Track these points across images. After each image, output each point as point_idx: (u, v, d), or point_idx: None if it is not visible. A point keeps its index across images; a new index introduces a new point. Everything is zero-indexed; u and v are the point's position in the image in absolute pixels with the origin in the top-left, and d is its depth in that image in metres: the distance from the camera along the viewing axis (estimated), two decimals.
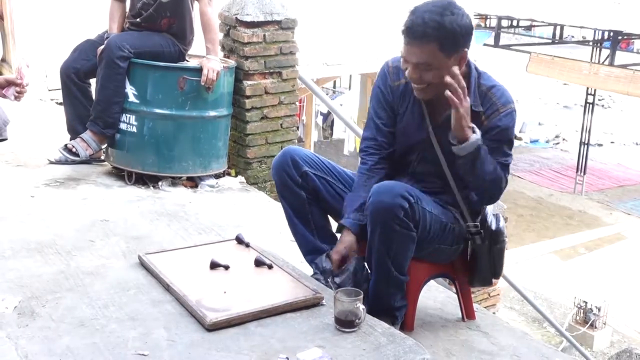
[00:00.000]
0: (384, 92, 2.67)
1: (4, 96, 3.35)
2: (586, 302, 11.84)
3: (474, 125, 2.43)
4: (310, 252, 2.77)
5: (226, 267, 2.68)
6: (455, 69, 2.35)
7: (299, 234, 2.77)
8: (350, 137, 15.52)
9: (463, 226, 2.66)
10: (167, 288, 2.55)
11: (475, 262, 2.73)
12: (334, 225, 2.79)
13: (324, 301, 2.49)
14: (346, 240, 2.59)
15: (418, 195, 2.43)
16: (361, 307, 2.29)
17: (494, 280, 2.85)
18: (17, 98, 3.39)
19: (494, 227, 2.70)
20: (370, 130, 2.71)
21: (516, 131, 22.47)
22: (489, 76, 2.59)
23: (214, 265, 2.68)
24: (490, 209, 2.77)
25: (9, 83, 3.33)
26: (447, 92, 2.33)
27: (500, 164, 2.54)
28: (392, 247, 2.41)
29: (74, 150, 4.14)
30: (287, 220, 2.80)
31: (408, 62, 2.45)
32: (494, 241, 2.71)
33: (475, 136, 2.42)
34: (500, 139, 2.54)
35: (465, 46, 2.44)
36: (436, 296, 3.17)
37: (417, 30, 2.38)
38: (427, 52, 2.39)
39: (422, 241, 2.47)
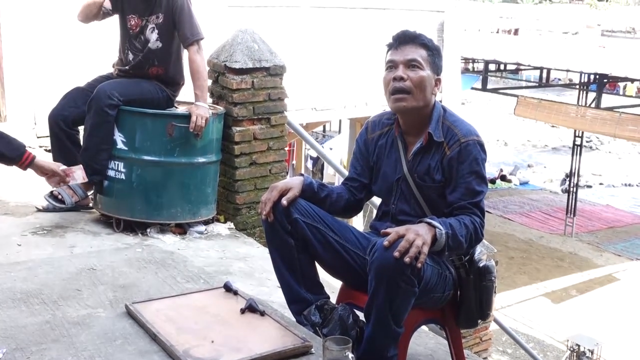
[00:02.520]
0: (361, 147, 2.86)
1: (47, 181, 3.73)
2: (579, 345, 11.76)
3: (433, 225, 2.40)
4: (294, 302, 2.74)
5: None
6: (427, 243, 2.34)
7: (284, 282, 2.74)
8: (339, 181, 15.54)
9: (453, 271, 2.65)
10: (154, 338, 2.52)
11: (462, 299, 2.71)
12: (322, 274, 2.77)
13: (312, 349, 2.47)
14: (294, 180, 2.69)
15: None
16: (350, 355, 2.26)
17: (481, 322, 2.83)
18: (55, 187, 3.88)
19: (481, 264, 2.69)
20: (349, 175, 2.92)
21: (506, 173, 22.66)
22: (454, 114, 2.72)
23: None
24: (481, 251, 2.76)
25: (54, 174, 3.68)
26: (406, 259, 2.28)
27: (471, 207, 2.54)
28: (394, 302, 2.38)
29: (59, 197, 4.13)
30: (273, 267, 2.78)
31: (396, 64, 2.61)
32: (481, 277, 2.69)
33: (439, 231, 2.39)
34: (467, 170, 2.56)
35: (440, 74, 2.68)
36: (426, 342, 3.14)
37: (411, 35, 2.64)
38: (419, 53, 2.61)
39: (420, 293, 2.45)
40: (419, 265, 2.28)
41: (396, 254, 2.26)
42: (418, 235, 2.31)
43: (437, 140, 2.61)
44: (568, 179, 22.20)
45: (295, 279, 2.71)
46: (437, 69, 2.66)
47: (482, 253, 2.77)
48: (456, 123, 2.65)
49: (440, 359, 2.96)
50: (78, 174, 3.81)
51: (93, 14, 4.19)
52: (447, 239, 2.40)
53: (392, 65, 2.63)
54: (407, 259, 2.26)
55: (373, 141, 2.81)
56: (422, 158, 2.65)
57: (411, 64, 2.60)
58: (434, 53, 2.64)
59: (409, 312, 2.53)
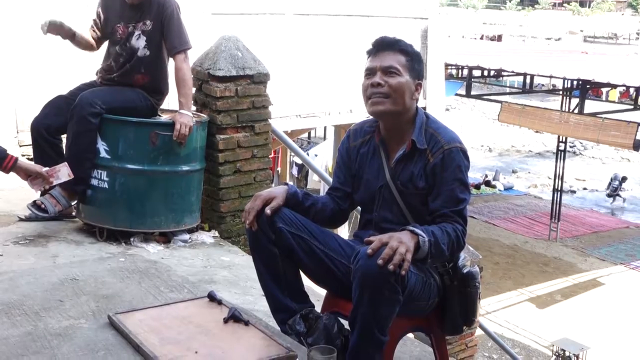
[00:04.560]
0: (343, 156, 2.85)
1: (30, 184, 3.66)
2: (564, 350, 11.80)
3: (415, 232, 2.40)
4: (278, 310, 2.73)
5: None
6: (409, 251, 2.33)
7: (268, 291, 2.73)
8: (324, 188, 15.54)
9: (437, 279, 2.65)
10: (138, 349, 2.49)
11: (446, 305, 2.71)
12: (307, 282, 2.76)
13: (297, 359, 2.45)
14: (278, 189, 2.68)
15: None
16: None
17: (466, 328, 2.83)
18: (38, 189, 3.78)
19: (465, 270, 2.69)
20: (333, 184, 2.90)
21: (490, 179, 22.74)
22: (437, 121, 2.71)
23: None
24: (465, 257, 2.76)
25: (38, 176, 3.62)
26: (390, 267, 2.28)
27: (453, 215, 2.53)
28: (379, 310, 2.36)
29: (42, 206, 4.09)
30: (257, 276, 2.76)
31: (374, 71, 2.61)
32: (465, 284, 2.69)
33: (422, 239, 2.39)
34: (450, 177, 2.55)
35: (421, 80, 2.66)
36: (412, 350, 3.14)
37: (389, 41, 2.64)
38: (397, 60, 2.61)
39: (404, 301, 2.44)
40: (403, 272, 2.27)
41: (380, 261, 2.25)
42: (401, 243, 2.30)
43: (420, 148, 2.61)
44: (617, 182, 22.35)
45: (279, 288, 2.69)
46: (416, 74, 2.64)
47: (466, 259, 2.77)
48: (439, 130, 2.64)
49: None
50: (63, 172, 3.75)
51: (89, 48, 4.33)
52: (429, 247, 2.40)
53: (369, 73, 2.63)
54: (390, 267, 2.24)
55: (355, 149, 2.80)
56: (404, 165, 2.65)
57: (389, 71, 2.59)
58: (413, 58, 2.64)
59: (394, 321, 2.52)
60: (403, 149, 2.65)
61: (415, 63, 2.64)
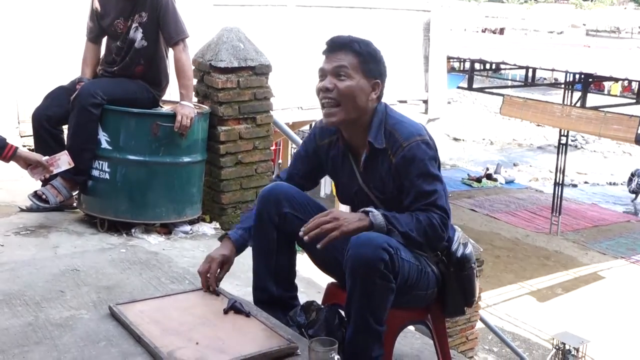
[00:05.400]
0: (309, 151, 2.81)
1: (30, 173, 3.65)
2: (564, 343, 11.82)
3: (368, 211, 2.44)
4: (258, 289, 2.81)
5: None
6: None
7: (255, 269, 2.80)
8: (326, 179, 15.52)
9: (435, 269, 2.64)
10: (139, 340, 2.49)
11: (446, 291, 2.70)
12: (309, 275, 2.76)
13: (298, 351, 2.45)
14: (224, 248, 2.75)
15: (397, 246, 2.39)
16: (336, 357, 2.25)
17: (467, 309, 2.84)
18: (39, 178, 3.75)
19: (459, 254, 2.65)
20: (289, 172, 2.87)
21: (491, 172, 22.73)
22: (396, 115, 2.60)
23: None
24: (458, 237, 2.72)
25: (39, 165, 3.62)
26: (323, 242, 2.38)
27: (427, 208, 2.48)
28: (372, 299, 2.37)
29: (44, 197, 4.08)
30: (252, 253, 2.81)
31: (324, 73, 2.54)
32: (461, 268, 2.66)
33: (372, 213, 2.42)
34: (414, 173, 2.48)
35: (381, 79, 2.56)
36: (412, 343, 3.14)
37: (340, 41, 2.55)
38: (347, 60, 2.51)
39: (400, 290, 2.43)
40: (319, 246, 2.35)
41: (301, 232, 2.36)
42: (336, 219, 2.36)
43: (379, 148, 2.53)
44: (634, 177, 22.10)
45: (267, 268, 2.74)
46: (373, 73, 2.54)
47: (460, 238, 2.70)
48: (396, 126, 2.54)
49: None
50: (63, 160, 3.75)
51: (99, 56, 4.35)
52: (387, 222, 2.40)
53: (321, 75, 2.56)
54: (301, 234, 2.37)
55: (324, 150, 2.75)
56: (372, 168, 2.59)
57: (338, 73, 2.50)
58: (366, 58, 2.52)
59: (393, 312, 2.52)
60: (365, 153, 2.59)
61: (371, 63, 2.53)
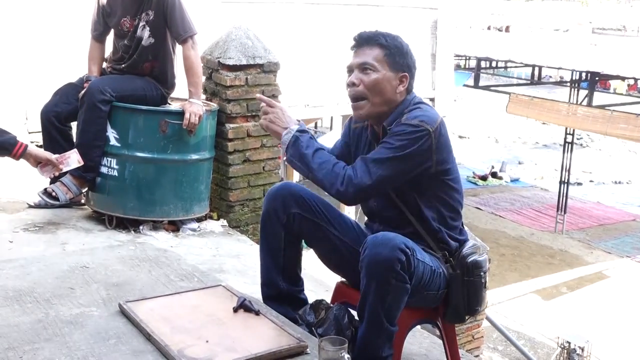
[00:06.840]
0: (346, 134, 2.82)
1: (40, 171, 3.66)
2: (569, 342, 11.79)
3: (299, 128, 2.56)
4: (265, 285, 2.82)
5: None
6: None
7: (263, 265, 2.81)
8: None
9: (445, 270, 2.63)
10: (149, 337, 2.50)
11: (449, 293, 2.66)
12: (316, 274, 2.77)
13: (308, 349, 2.45)
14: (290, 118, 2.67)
15: (412, 246, 2.39)
16: (346, 356, 2.25)
17: (469, 318, 2.81)
18: (48, 176, 3.76)
19: (470, 259, 2.63)
20: (331, 149, 2.80)
21: (497, 170, 22.68)
22: (418, 106, 2.56)
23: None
24: (473, 245, 2.70)
25: (48, 162, 3.63)
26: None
27: (359, 162, 2.49)
28: (387, 299, 2.36)
29: (53, 194, 4.09)
30: (259, 251, 2.82)
31: (352, 68, 2.59)
32: (468, 273, 2.63)
33: (287, 131, 2.55)
34: (382, 143, 2.49)
35: (410, 72, 2.58)
36: (421, 342, 3.13)
37: (366, 35, 2.58)
38: (372, 54, 2.53)
39: (413, 290, 2.43)
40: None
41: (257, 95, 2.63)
42: (275, 114, 2.58)
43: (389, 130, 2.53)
44: None
45: (275, 265, 2.74)
46: (400, 66, 2.55)
47: (475, 247, 2.69)
48: (412, 110, 2.53)
49: (435, 359, 2.95)
50: (73, 158, 3.76)
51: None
52: (292, 140, 2.52)
53: (349, 70, 2.61)
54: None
55: (355, 133, 2.78)
56: None
57: (364, 67, 2.54)
58: (392, 52, 2.55)
59: (404, 312, 2.52)
60: (382, 139, 2.58)
61: (397, 56, 2.55)
